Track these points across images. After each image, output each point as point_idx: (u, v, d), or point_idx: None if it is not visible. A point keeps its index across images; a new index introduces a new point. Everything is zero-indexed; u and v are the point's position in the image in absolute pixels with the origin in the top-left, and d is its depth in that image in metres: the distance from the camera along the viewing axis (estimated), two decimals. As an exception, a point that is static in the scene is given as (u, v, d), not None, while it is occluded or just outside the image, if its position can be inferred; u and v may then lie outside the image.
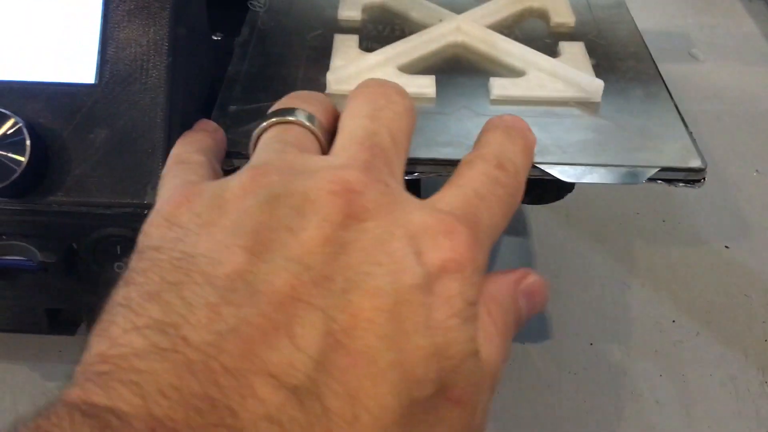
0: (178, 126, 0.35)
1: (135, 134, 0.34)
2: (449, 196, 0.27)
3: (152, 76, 0.35)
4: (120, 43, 0.35)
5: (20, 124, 0.32)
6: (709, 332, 0.44)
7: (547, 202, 0.42)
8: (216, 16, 0.43)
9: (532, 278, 0.28)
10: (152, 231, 0.25)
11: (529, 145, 0.31)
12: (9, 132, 0.32)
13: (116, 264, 0.35)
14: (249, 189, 0.25)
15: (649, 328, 0.44)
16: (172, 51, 0.35)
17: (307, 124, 0.29)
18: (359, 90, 0.31)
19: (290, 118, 0.29)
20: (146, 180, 0.34)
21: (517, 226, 0.49)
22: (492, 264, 0.35)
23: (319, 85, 0.41)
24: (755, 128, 0.61)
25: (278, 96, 0.39)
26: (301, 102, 0.30)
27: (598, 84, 0.40)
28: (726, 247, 0.50)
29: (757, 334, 0.44)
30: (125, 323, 0.21)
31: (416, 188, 0.39)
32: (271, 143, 0.28)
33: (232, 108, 0.39)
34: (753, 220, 0.52)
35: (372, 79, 0.32)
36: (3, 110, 0.32)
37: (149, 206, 0.34)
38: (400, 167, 0.28)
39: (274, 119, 0.29)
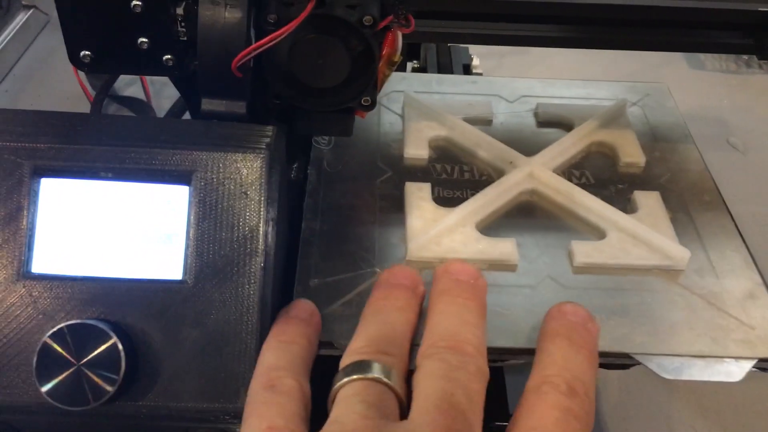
0: (268, 324, 0.34)
1: (226, 335, 0.33)
2: None
3: (244, 274, 0.33)
4: (207, 237, 0.34)
5: (115, 341, 0.31)
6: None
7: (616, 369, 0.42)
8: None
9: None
10: None
11: (593, 347, 0.31)
12: (105, 349, 0.31)
13: (205, 462, 0.34)
14: None
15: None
16: (264, 250, 0.34)
17: (387, 381, 0.29)
18: (431, 342, 0.30)
19: (369, 376, 0.29)
20: (238, 383, 0.33)
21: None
22: None
23: (398, 250, 0.40)
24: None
25: (358, 265, 0.39)
26: (377, 350, 0.30)
27: (684, 253, 0.39)
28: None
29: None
30: None
31: (500, 375, 0.38)
32: (352, 404, 0.28)
33: (314, 282, 0.38)
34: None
35: (444, 328, 0.31)
36: (102, 326, 0.31)
37: (242, 411, 0.33)
38: (478, 425, 0.28)
39: (354, 377, 0.29)
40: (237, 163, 0.34)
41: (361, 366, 0.29)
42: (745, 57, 0.83)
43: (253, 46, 0.34)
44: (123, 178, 0.34)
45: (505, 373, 0.40)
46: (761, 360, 0.36)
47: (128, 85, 0.73)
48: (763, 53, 0.44)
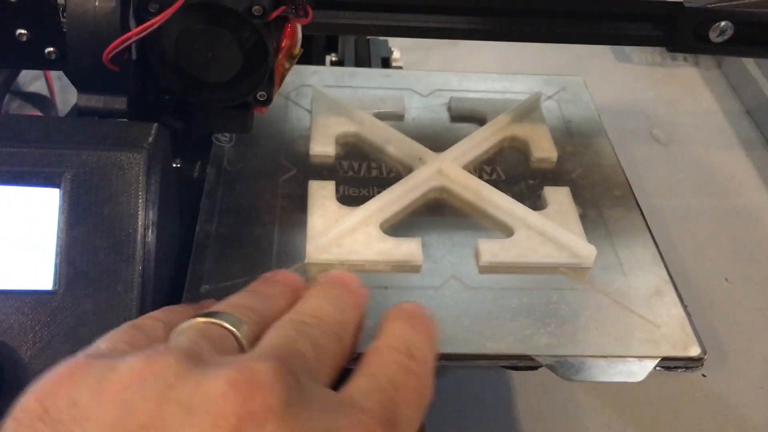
0: (149, 335, 0.32)
1: (101, 348, 0.31)
2: (364, 388, 0.24)
3: (121, 283, 0.31)
4: (80, 244, 0.31)
5: (-29, 360, 0.28)
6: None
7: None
8: (175, 144, 0.39)
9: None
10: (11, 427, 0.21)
11: (433, 334, 0.29)
12: (-42, 370, 0.28)
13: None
14: (139, 375, 0.21)
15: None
16: (143, 256, 0.31)
17: (234, 330, 0.25)
18: (289, 315, 0.27)
19: (215, 321, 0.25)
20: (115, 400, 0.31)
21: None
22: None
23: (297, 253, 0.38)
24: (723, 228, 0.61)
25: (254, 269, 0.37)
26: (232, 308, 0.27)
27: (591, 251, 0.38)
28: (703, 375, 0.50)
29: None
30: None
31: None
32: (185, 333, 0.25)
33: (205, 288, 0.36)
34: (727, 342, 0.52)
35: (308, 306, 0.28)
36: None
37: None
38: (322, 377, 0.25)
39: (201, 319, 0.26)
40: (112, 164, 0.32)
41: (210, 314, 0.26)
42: (671, 50, 0.83)
43: (124, 36, 0.31)
44: (-14, 181, 0.32)
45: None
46: (664, 359, 0.35)
47: (35, 79, 0.69)
48: (671, 45, 0.43)
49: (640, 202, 0.43)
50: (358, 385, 0.24)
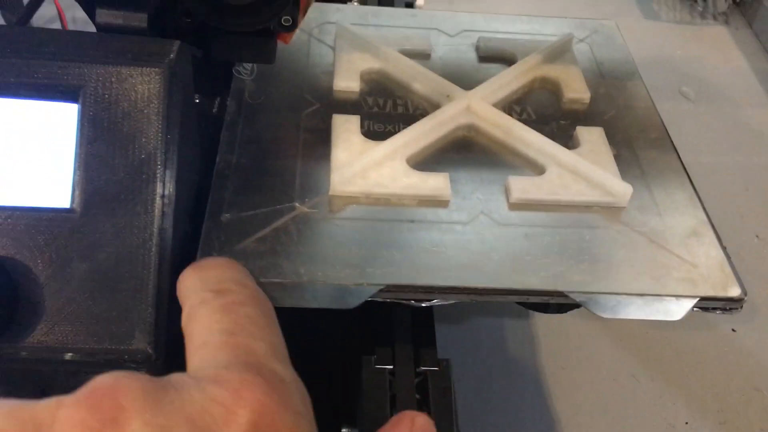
0: (168, 258, 0.30)
1: (120, 269, 0.30)
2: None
3: (140, 202, 0.30)
4: (99, 161, 0.30)
5: (-15, 273, 0.27)
6: (723, 434, 0.43)
7: (553, 312, 0.40)
8: (195, 77, 0.38)
9: (420, 420, 0.25)
10: None
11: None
12: (-28, 283, 0.27)
13: (98, 411, 0.31)
14: None
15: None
16: (163, 176, 0.30)
17: None
18: None
19: None
20: (133, 323, 0.30)
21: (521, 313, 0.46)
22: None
23: (321, 184, 0.36)
24: (753, 186, 0.59)
25: (276, 199, 0.36)
26: None
27: (626, 189, 0.37)
28: (733, 330, 0.48)
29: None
30: None
31: (429, 316, 0.36)
32: None
33: (226, 216, 0.34)
34: (757, 297, 0.50)
35: None
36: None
37: (138, 352, 0.30)
38: None
39: None
40: (133, 79, 0.31)
41: None
42: (700, 8, 0.80)
43: (146, -57, 0.30)
44: (2, 94, 0.30)
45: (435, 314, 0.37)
46: (703, 299, 0.33)
47: (49, 22, 0.68)
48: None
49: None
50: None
